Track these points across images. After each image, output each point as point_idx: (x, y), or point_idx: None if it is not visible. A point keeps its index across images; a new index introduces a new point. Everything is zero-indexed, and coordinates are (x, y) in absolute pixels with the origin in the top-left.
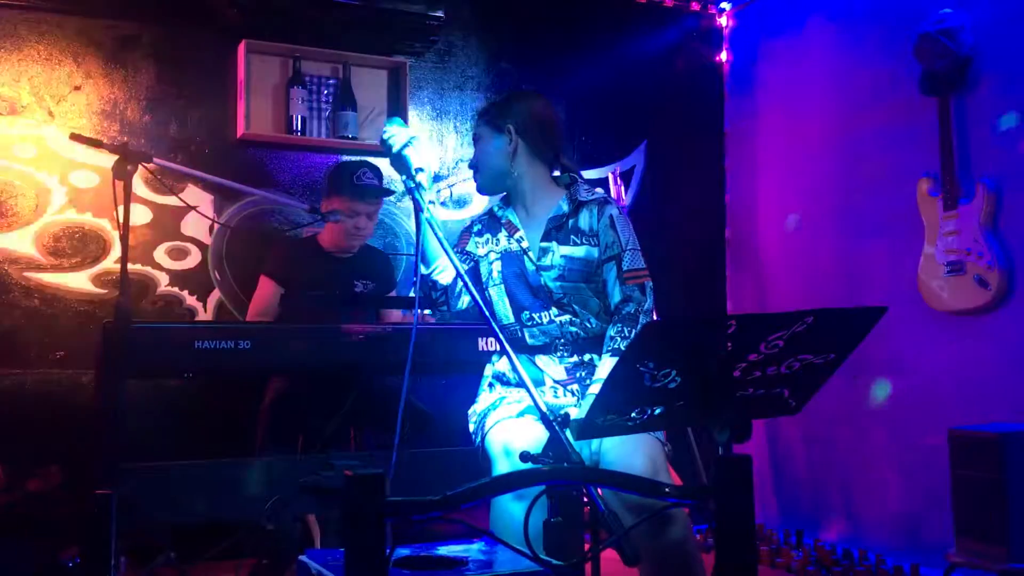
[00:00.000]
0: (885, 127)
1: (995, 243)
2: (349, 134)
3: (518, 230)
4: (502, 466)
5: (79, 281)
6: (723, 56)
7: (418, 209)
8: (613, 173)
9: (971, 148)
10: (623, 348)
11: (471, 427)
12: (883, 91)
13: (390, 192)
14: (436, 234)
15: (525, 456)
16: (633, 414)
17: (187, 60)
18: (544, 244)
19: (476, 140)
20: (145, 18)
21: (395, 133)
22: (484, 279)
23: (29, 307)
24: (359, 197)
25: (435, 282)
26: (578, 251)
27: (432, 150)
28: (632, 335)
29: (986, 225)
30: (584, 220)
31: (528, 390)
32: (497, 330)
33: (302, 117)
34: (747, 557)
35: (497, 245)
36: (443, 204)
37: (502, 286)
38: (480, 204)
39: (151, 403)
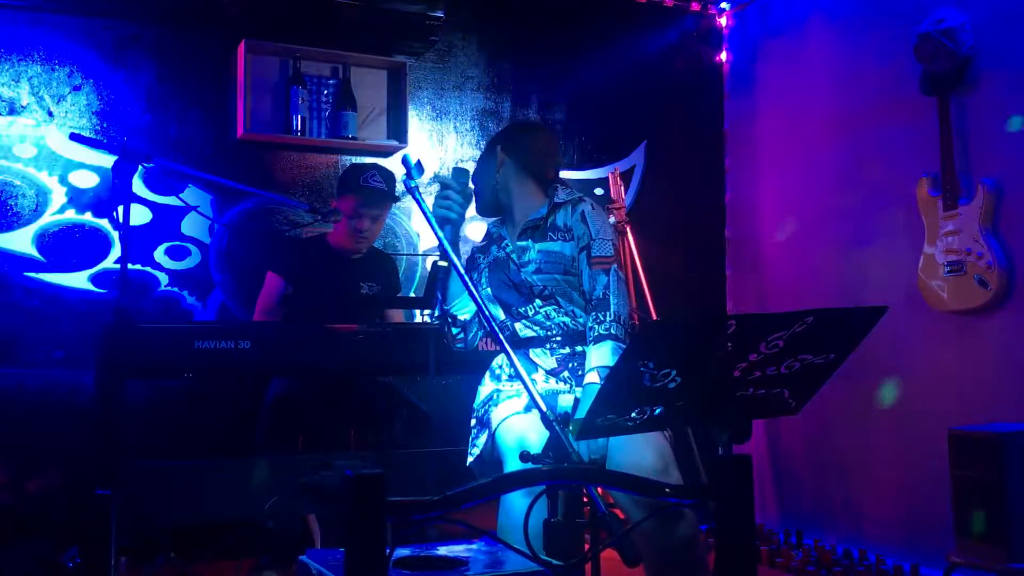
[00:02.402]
0: (885, 127)
1: (995, 243)
2: (349, 134)
3: (505, 239)
4: (515, 463)
5: (79, 281)
6: (723, 56)
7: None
8: (613, 173)
9: (971, 148)
10: (602, 332)
11: (472, 422)
12: (883, 91)
13: (396, 198)
14: (454, 263)
15: (525, 456)
16: (633, 414)
17: (187, 60)
18: (521, 243)
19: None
20: (145, 18)
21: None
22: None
23: (29, 307)
24: (362, 199)
25: (454, 317)
26: (553, 245)
27: (432, 150)
28: (607, 317)
29: (986, 225)
30: (560, 218)
31: (528, 389)
32: (497, 331)
33: (302, 117)
34: (747, 557)
35: (488, 256)
36: None
37: (489, 290)
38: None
39: (151, 403)
